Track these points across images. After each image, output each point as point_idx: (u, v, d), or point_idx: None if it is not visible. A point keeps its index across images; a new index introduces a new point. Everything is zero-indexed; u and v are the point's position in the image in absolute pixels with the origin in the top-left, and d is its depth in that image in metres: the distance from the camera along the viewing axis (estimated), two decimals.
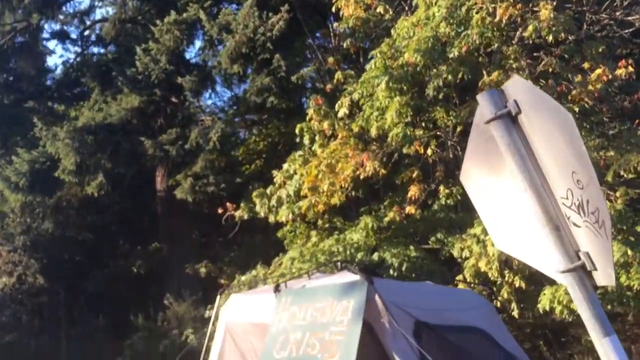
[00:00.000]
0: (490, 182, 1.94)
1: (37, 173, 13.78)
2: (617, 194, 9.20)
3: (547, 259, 1.82)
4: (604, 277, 1.76)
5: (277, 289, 6.04)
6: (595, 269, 1.76)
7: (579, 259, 1.78)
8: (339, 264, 6.44)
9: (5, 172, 13.51)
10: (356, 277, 5.49)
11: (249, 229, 14.94)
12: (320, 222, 12.32)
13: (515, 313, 9.22)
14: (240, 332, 6.65)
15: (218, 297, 7.50)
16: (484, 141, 1.93)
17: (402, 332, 4.75)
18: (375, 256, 9.90)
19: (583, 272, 1.77)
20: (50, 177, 13.54)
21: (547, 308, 9.26)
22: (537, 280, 9.67)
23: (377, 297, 4.99)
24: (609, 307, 9.32)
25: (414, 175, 10.56)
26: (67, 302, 14.29)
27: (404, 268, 9.85)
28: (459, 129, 10.23)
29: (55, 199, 14.68)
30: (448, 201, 11.14)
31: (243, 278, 11.81)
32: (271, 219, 12.24)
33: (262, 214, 11.69)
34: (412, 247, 10.52)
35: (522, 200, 1.81)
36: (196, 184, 13.74)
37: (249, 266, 12.85)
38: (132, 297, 15.53)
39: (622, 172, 9.58)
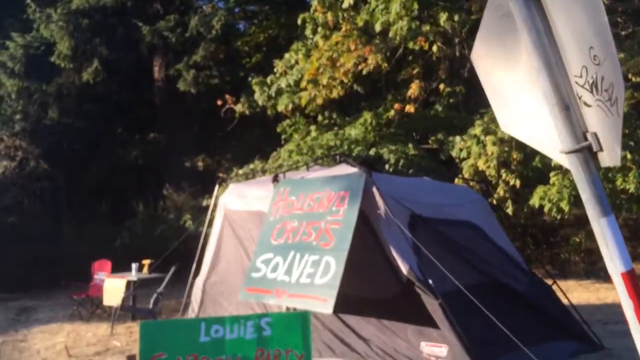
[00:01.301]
0: (502, 61, 1.86)
1: (33, 58, 13.45)
2: None
3: (552, 140, 1.79)
4: (610, 157, 1.74)
5: (275, 179, 6.08)
6: (601, 150, 1.74)
7: (586, 139, 1.74)
8: (337, 157, 6.44)
9: (0, 58, 13.21)
10: (354, 170, 5.52)
11: (247, 124, 14.87)
12: (319, 117, 12.25)
13: (509, 210, 9.42)
14: (238, 220, 6.79)
15: (217, 186, 7.58)
16: (499, 17, 1.82)
17: (397, 223, 4.84)
18: (373, 152, 9.94)
19: (588, 153, 1.74)
20: (46, 62, 13.23)
21: (537, 205, 9.46)
22: (531, 181, 9.80)
23: (374, 189, 5.03)
24: None
25: (415, 72, 10.35)
26: (68, 188, 14.51)
27: (400, 164, 9.92)
28: (467, 26, 9.86)
29: (56, 87, 14.45)
30: (450, 100, 11.02)
31: (241, 171, 11.94)
32: (270, 111, 12.16)
33: (261, 103, 11.58)
34: (410, 145, 10.54)
35: (534, 79, 1.74)
36: (199, 76, 13.45)
37: (247, 160, 12.96)
38: (132, 186, 15.74)
39: (629, 75, 9.38)
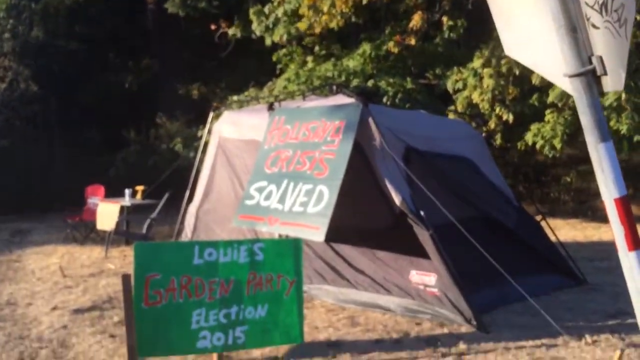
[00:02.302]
0: None
1: None
2: None
3: (556, 64, 1.74)
4: (614, 81, 1.70)
5: (270, 107, 6.01)
6: (605, 74, 1.70)
7: (591, 63, 1.70)
8: (334, 87, 6.33)
9: None
10: (351, 100, 5.44)
11: (242, 52, 14.53)
12: (317, 48, 11.97)
13: (498, 142, 9.45)
14: (232, 148, 6.76)
15: (211, 113, 7.49)
16: None
17: (392, 155, 4.82)
18: (371, 83, 9.80)
19: (592, 77, 1.71)
20: None
21: (530, 142, 9.48)
22: (527, 118, 9.76)
23: (370, 120, 4.98)
24: None
25: (419, 1, 10.04)
26: (60, 112, 14.32)
27: (398, 98, 9.82)
28: None
29: (43, 4, 13.94)
30: (451, 34, 10.75)
31: (235, 98, 11.78)
32: (267, 41, 11.87)
33: (258, 33, 11.29)
34: (408, 79, 10.38)
35: (542, 0, 1.67)
36: None
37: (242, 89, 12.76)
38: (125, 113, 15.54)
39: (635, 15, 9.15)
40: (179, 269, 4.08)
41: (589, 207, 11.07)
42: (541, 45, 1.75)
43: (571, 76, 1.71)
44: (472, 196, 5.45)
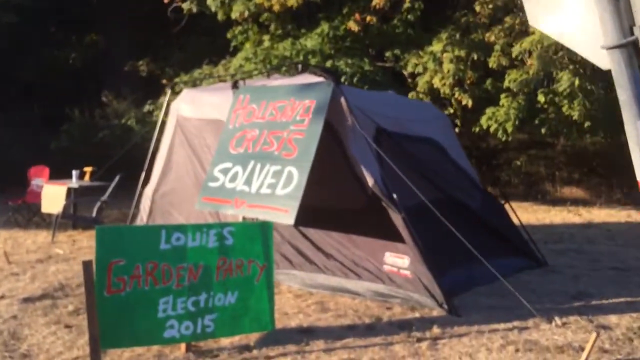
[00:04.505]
0: None
1: None
2: None
3: (588, 36, 1.65)
4: None
5: (235, 85, 5.76)
6: None
7: (632, 34, 1.61)
8: (299, 65, 6.14)
9: None
10: (319, 79, 5.28)
11: (193, 29, 14.03)
12: (272, 27, 11.68)
13: (456, 129, 9.55)
14: (191, 128, 6.47)
15: (168, 91, 7.15)
16: None
17: (365, 135, 4.71)
18: (329, 64, 9.66)
19: (633, 49, 1.62)
20: None
21: (485, 126, 9.63)
22: (482, 102, 9.90)
23: (342, 99, 4.84)
24: (542, 131, 9.79)
25: None
26: None
27: (355, 79, 9.73)
28: None
29: None
30: (409, 16, 10.73)
31: (186, 77, 11.39)
32: (220, 17, 11.49)
33: (214, 9, 10.90)
34: (366, 60, 10.30)
35: None
36: None
37: (193, 67, 12.33)
38: (68, 90, 14.76)
39: None
40: (145, 254, 3.84)
41: (538, 191, 11.40)
42: (572, 15, 1.66)
43: (610, 48, 1.62)
44: (438, 178, 5.43)
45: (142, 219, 6.69)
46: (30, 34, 14.48)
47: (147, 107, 12.46)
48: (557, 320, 4.15)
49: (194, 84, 10.00)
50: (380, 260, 4.73)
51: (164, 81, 13.28)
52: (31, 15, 14.28)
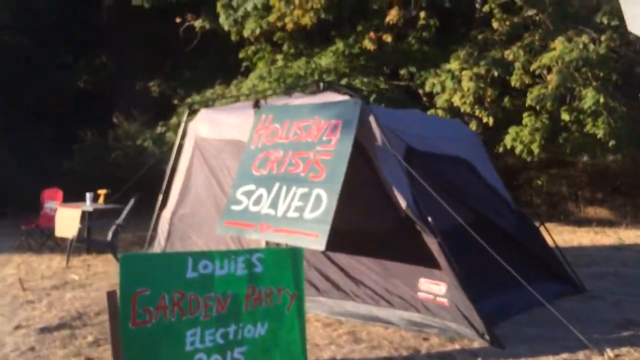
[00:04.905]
0: None
1: None
2: (603, 37, 8.93)
3: None
4: None
5: (256, 105, 5.59)
6: None
7: None
8: (321, 83, 5.97)
9: None
10: (344, 98, 5.11)
11: (205, 49, 13.97)
12: (285, 46, 11.58)
13: None
14: (210, 148, 6.29)
15: (185, 111, 7.00)
16: None
17: (397, 156, 4.52)
18: (345, 82, 9.51)
19: None
20: None
21: (509, 146, 9.42)
22: (502, 122, 9.71)
23: (371, 118, 4.66)
24: (567, 150, 9.57)
25: None
26: (7, 111, 13.34)
27: (372, 98, 9.57)
28: None
29: None
30: (424, 34, 10.62)
31: (198, 98, 11.26)
32: (234, 36, 11.41)
33: (226, 27, 10.80)
34: (381, 78, 10.16)
35: None
36: None
37: (204, 87, 12.22)
38: (78, 112, 14.69)
39: (607, 19, 9.23)
40: (171, 283, 3.63)
41: (561, 211, 11.12)
42: None
43: None
44: (470, 199, 5.21)
45: (160, 242, 6.49)
46: (41, 57, 14.45)
47: (159, 129, 12.35)
48: (609, 352, 3.89)
49: (207, 104, 9.87)
50: (414, 287, 4.49)
51: (176, 101, 13.19)
52: (41, 38, 14.28)
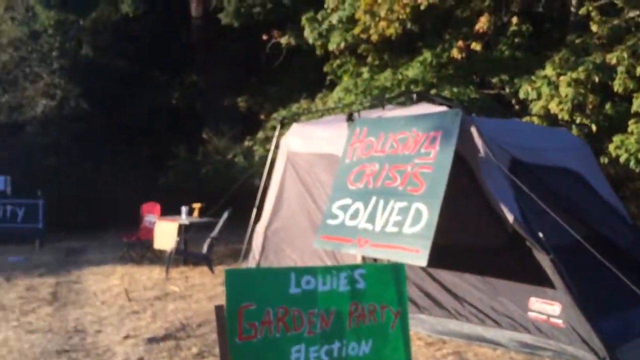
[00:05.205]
0: None
1: None
2: None
3: None
4: None
5: (349, 118, 5.56)
6: None
7: None
8: (414, 95, 5.87)
9: None
10: (441, 108, 4.97)
11: (288, 65, 14.22)
12: (370, 58, 11.53)
13: None
14: (302, 163, 6.34)
15: (278, 126, 7.10)
16: None
17: (502, 167, 4.31)
18: (433, 93, 9.30)
19: None
20: None
21: (614, 155, 8.80)
22: (604, 129, 9.10)
23: (473, 129, 4.49)
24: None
25: (486, 4, 9.51)
26: (106, 129, 14.18)
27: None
28: None
29: (91, 21, 13.89)
30: (516, 40, 10.23)
31: (284, 113, 11.42)
32: (318, 50, 11.50)
33: (311, 41, 10.91)
34: (472, 87, 9.86)
35: None
36: (241, 6, 12.67)
37: (290, 101, 12.41)
38: (170, 129, 15.38)
39: None
40: (274, 299, 3.61)
41: None
42: None
43: None
44: (582, 213, 4.88)
45: (254, 256, 6.59)
46: (137, 78, 15.26)
47: (246, 143, 12.64)
48: None
49: (293, 118, 10.00)
50: (524, 307, 4.24)
51: (262, 116, 13.49)
52: (136, 60, 15.09)
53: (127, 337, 4.87)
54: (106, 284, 7.02)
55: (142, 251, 8.65)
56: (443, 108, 4.97)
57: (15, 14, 13.88)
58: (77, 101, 13.24)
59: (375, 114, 5.76)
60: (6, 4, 13.98)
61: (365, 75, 10.78)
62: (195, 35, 16.15)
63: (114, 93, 14.23)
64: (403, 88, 9.69)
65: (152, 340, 4.75)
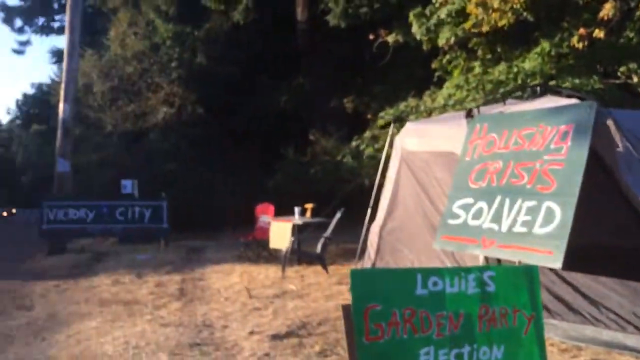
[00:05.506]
0: None
1: (185, 0, 13.61)
2: None
3: None
4: None
5: (469, 114, 5.38)
6: None
7: None
8: (538, 88, 5.56)
9: (155, 1, 13.50)
10: (570, 101, 4.66)
11: (394, 63, 14.10)
12: (480, 52, 11.13)
13: None
14: (418, 162, 6.22)
15: (391, 125, 7.04)
16: None
17: None
18: (553, 85, 8.78)
19: None
20: (197, 4, 13.33)
21: None
22: None
23: (609, 122, 4.17)
24: None
25: None
26: (220, 133, 14.87)
27: None
28: None
29: (205, 31, 14.65)
30: None
31: (391, 112, 11.32)
32: (425, 46, 11.26)
33: (419, 37, 10.72)
34: (595, 78, 9.20)
35: None
36: (348, 7, 12.76)
37: (397, 100, 12.28)
38: (278, 132, 15.81)
39: None
40: (401, 299, 3.55)
41: None
42: None
43: None
44: None
45: (370, 256, 6.58)
46: (245, 84, 15.87)
47: (354, 143, 12.69)
48: None
49: (400, 117, 9.87)
50: None
51: (369, 116, 13.48)
52: (246, 67, 15.69)
53: (252, 333, 5.05)
54: (228, 282, 7.34)
55: (257, 250, 8.95)
56: (572, 101, 4.67)
57: (137, 29, 14.96)
58: (194, 108, 13.98)
59: (495, 109, 5.52)
60: (129, 20, 15.10)
61: (477, 69, 10.42)
62: (300, 39, 16.49)
63: (225, 99, 14.90)
64: (519, 81, 9.25)
65: (275, 337, 4.88)
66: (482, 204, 4.73)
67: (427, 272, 3.70)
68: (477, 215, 4.71)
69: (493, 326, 3.62)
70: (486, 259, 4.97)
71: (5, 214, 47.67)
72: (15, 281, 7.96)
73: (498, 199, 4.62)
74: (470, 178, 5.01)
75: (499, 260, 4.73)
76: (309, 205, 8.85)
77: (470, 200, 4.88)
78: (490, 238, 4.51)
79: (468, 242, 4.69)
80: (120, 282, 7.58)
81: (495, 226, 4.50)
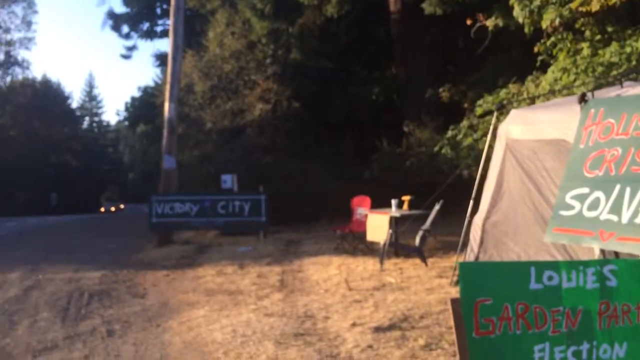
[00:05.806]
0: None
1: None
2: None
3: None
4: None
5: (582, 99, 5.03)
6: None
7: None
8: None
9: (252, 0, 13.86)
10: None
11: (491, 50, 13.54)
12: (588, 33, 10.41)
13: None
14: (524, 150, 5.92)
15: (495, 113, 6.77)
16: None
17: None
18: None
19: None
20: (291, 0, 13.53)
21: None
22: None
23: None
24: None
25: None
26: (314, 126, 15.06)
27: None
28: None
29: (299, 26, 14.87)
30: None
31: (490, 99, 10.87)
32: (527, 29, 10.71)
33: (521, 20, 10.21)
34: None
35: None
36: None
37: (494, 87, 11.78)
38: (371, 123, 15.76)
39: None
40: (513, 294, 3.39)
41: None
42: None
43: None
44: None
45: (472, 249, 6.36)
46: (338, 76, 15.93)
47: (450, 132, 12.35)
48: None
49: (501, 105, 9.46)
50: None
51: (465, 105, 13.06)
52: (338, 59, 15.74)
53: (353, 324, 5.05)
54: (326, 274, 7.41)
55: (354, 243, 8.96)
56: None
57: (234, 28, 15.45)
58: (289, 102, 14.24)
59: (611, 92, 5.13)
60: (227, 20, 15.63)
61: (585, 51, 9.76)
62: (392, 29, 16.29)
63: (319, 92, 15.03)
64: (634, 62, 8.57)
65: (378, 330, 4.85)
66: (599, 194, 4.41)
67: (542, 266, 3.51)
68: (594, 205, 4.40)
69: (614, 323, 3.38)
70: (602, 252, 4.66)
71: (113, 209, 51.39)
72: (129, 271, 8.52)
73: (617, 188, 4.30)
74: (585, 166, 4.69)
75: (616, 254, 4.42)
76: (406, 197, 8.73)
77: (585, 190, 4.57)
78: (609, 230, 4.20)
79: (584, 234, 4.39)
80: (223, 273, 7.88)
81: (614, 217, 4.19)
